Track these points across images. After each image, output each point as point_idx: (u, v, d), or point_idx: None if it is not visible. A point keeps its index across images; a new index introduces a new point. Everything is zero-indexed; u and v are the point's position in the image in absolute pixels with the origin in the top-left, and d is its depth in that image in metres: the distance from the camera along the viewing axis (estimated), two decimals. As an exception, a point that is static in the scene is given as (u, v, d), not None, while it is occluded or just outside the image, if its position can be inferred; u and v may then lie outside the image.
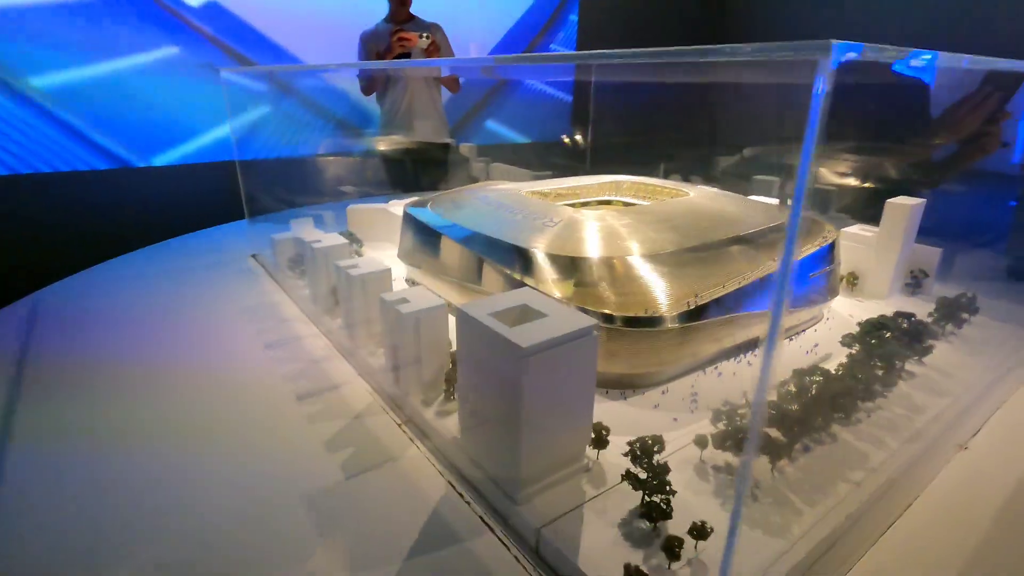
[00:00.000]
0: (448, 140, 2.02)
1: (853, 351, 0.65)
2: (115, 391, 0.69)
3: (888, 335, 0.65)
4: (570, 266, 0.68)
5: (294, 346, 0.79)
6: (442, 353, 0.63)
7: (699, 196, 0.93)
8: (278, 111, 1.58)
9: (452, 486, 0.52)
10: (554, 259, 0.69)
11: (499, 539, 0.46)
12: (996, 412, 0.65)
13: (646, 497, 0.44)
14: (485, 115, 2.66)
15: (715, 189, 1.02)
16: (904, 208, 0.93)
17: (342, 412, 0.63)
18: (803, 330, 0.82)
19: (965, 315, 0.83)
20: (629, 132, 2.04)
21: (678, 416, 0.60)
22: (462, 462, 0.53)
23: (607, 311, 0.63)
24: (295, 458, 0.56)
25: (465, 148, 2.02)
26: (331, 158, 1.74)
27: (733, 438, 0.49)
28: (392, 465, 0.55)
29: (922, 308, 0.82)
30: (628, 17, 2.98)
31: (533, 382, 0.43)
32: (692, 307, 0.64)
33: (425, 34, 1.72)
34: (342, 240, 0.85)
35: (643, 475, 0.45)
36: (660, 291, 0.65)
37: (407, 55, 1.82)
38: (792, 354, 0.75)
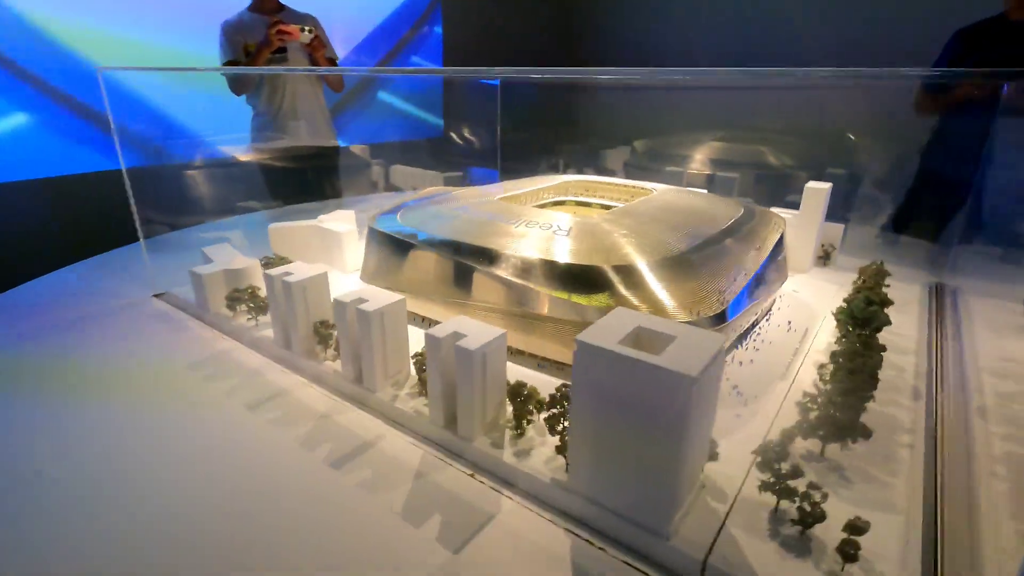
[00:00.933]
0: (336, 143, 1.85)
1: (849, 327, 0.73)
2: None
3: (874, 308, 0.74)
4: (615, 275, 0.66)
5: (287, 404, 0.66)
6: (501, 388, 0.58)
7: (664, 193, 0.97)
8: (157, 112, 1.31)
9: (574, 533, 0.48)
10: (594, 271, 0.67)
11: (657, 581, 0.43)
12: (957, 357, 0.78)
13: (798, 502, 0.44)
14: (352, 114, 2.49)
15: (666, 186, 1.06)
16: (821, 191, 1.06)
17: (397, 478, 0.54)
18: (770, 311, 0.90)
19: (886, 281, 0.97)
20: (524, 129, 2.05)
21: (738, 412, 0.62)
22: (573, 504, 0.49)
23: (668, 317, 0.62)
24: (397, 544, 0.47)
25: (358, 150, 1.87)
26: (206, 168, 1.49)
27: (826, 426, 0.52)
28: (495, 524, 0.49)
29: (837, 277, 0.95)
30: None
31: (695, 407, 0.41)
32: (725, 304, 0.67)
33: (307, 28, 1.55)
34: (313, 268, 0.73)
35: (771, 479, 0.46)
36: (691, 291, 0.67)
37: (284, 50, 1.63)
38: (777, 335, 0.81)
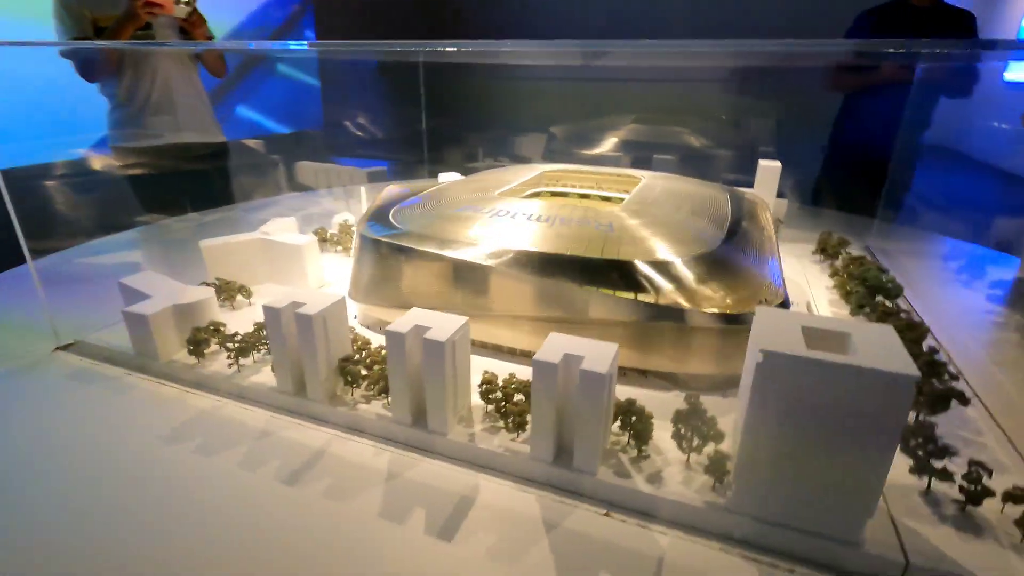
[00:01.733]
0: (223, 137, 1.58)
1: (863, 300, 0.77)
2: None
3: (889, 276, 0.78)
4: (689, 269, 0.62)
5: (333, 468, 0.53)
6: (607, 413, 0.51)
7: (655, 180, 0.95)
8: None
9: (753, 559, 0.43)
10: (658, 266, 0.62)
11: (859, 592, 0.41)
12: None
13: (960, 480, 0.45)
14: (228, 105, 2.17)
15: (644, 171, 1.05)
16: (774, 169, 1.12)
17: (526, 537, 0.46)
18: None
19: (844, 250, 1.06)
20: (447, 116, 1.92)
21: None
22: (738, 526, 0.45)
23: (727, 311, 0.60)
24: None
25: (255, 144, 1.61)
26: (68, 176, 1.18)
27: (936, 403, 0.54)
28: (668, 567, 0.43)
29: (794, 249, 1.03)
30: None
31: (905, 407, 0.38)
32: (780, 288, 0.66)
33: (183, -1, 1.29)
34: (328, 297, 0.59)
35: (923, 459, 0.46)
36: (750, 279, 0.65)
37: (149, 26, 1.34)
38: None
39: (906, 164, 1.30)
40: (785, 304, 0.64)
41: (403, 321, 0.53)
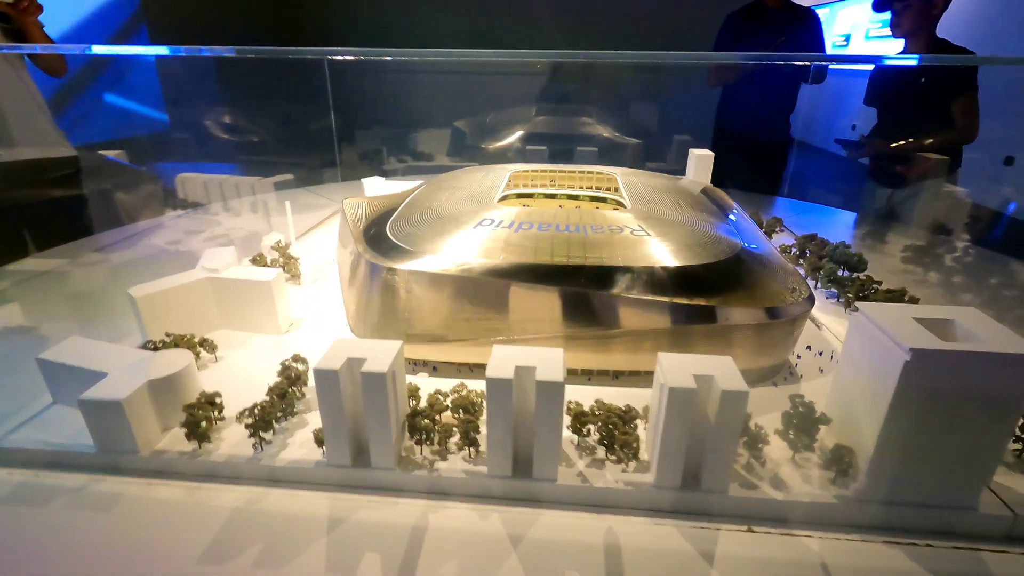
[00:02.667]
0: (71, 150, 1.28)
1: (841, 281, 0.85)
2: None
3: (857, 254, 0.87)
4: (741, 267, 0.63)
5: (462, 546, 0.45)
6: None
7: (628, 176, 0.96)
8: None
9: (895, 542, 0.46)
10: (704, 268, 0.62)
11: None
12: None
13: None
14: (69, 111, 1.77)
15: (606, 167, 1.05)
16: (707, 157, 1.20)
17: (696, 568, 0.43)
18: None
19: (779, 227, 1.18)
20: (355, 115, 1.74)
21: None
22: (864, 512, 0.47)
23: (769, 305, 0.62)
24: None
25: (120, 154, 1.33)
26: None
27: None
28: (838, 570, 0.43)
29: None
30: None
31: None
32: (799, 280, 0.70)
33: (10, -19, 1.00)
34: (382, 345, 0.50)
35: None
36: (778, 274, 0.68)
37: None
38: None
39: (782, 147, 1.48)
40: (812, 298, 0.68)
41: (503, 362, 0.47)
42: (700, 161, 1.20)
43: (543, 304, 0.61)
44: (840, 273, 0.85)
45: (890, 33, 1.35)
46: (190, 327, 0.70)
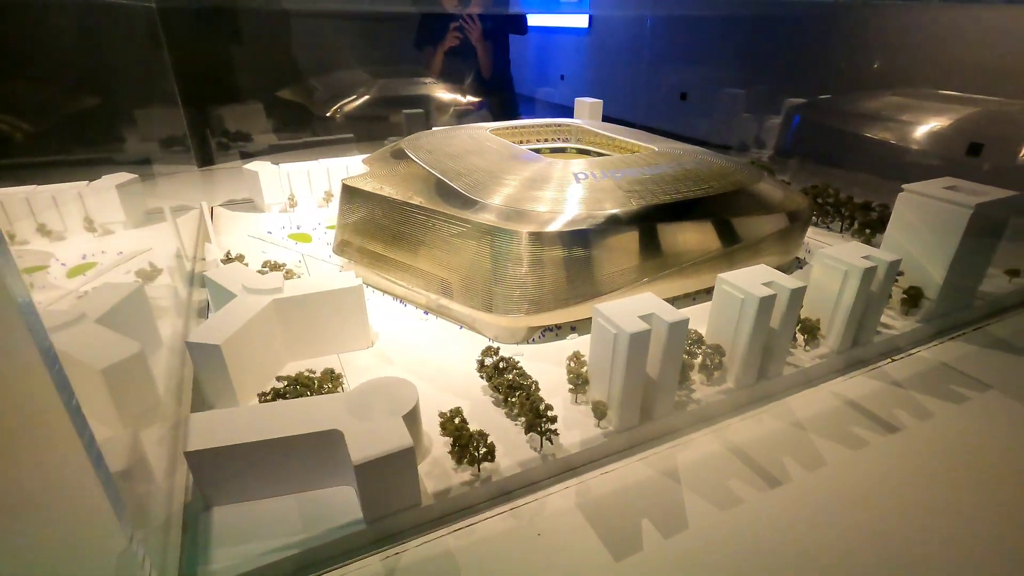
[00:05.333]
0: None
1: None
2: None
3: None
4: (772, 185, 0.77)
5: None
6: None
7: (594, 126, 1.03)
8: None
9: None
10: (766, 187, 0.76)
11: None
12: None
13: None
14: None
15: (570, 119, 1.08)
16: (596, 104, 1.33)
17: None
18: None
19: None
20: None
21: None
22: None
23: (797, 209, 0.80)
24: None
25: None
26: None
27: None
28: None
29: None
30: None
31: None
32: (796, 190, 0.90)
33: None
34: (640, 298, 0.51)
35: None
36: (786, 188, 0.86)
37: None
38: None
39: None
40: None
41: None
42: (591, 108, 1.33)
43: (685, 238, 0.67)
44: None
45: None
46: (263, 367, 0.55)
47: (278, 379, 0.52)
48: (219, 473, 0.41)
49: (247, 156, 1.32)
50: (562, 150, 1.02)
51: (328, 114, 1.59)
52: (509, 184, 0.69)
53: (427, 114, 1.69)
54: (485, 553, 0.41)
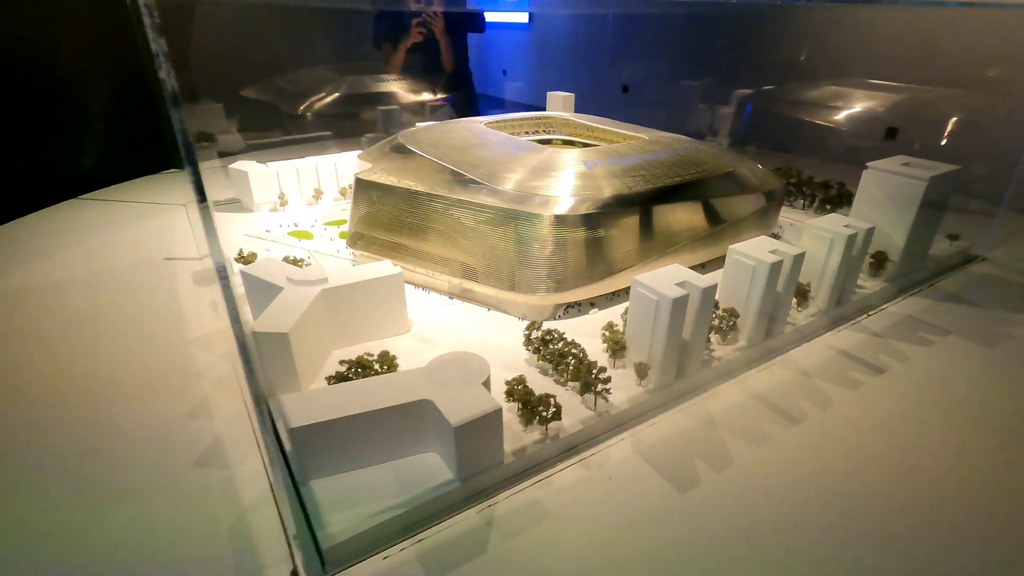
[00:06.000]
0: None
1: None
2: None
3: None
4: (751, 166, 0.86)
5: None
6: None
7: (592, 120, 1.08)
8: None
9: (913, 294, 0.79)
10: (747, 169, 0.84)
11: None
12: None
13: None
14: None
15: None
16: (568, 97, 1.39)
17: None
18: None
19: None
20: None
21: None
22: (896, 285, 0.79)
23: (772, 189, 0.90)
24: None
25: None
26: None
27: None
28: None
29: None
30: None
31: None
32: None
33: None
34: (671, 269, 0.57)
35: None
36: (763, 170, 0.95)
37: None
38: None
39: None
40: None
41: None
42: (565, 101, 1.39)
43: (688, 216, 0.74)
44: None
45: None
46: (313, 354, 0.58)
47: (340, 363, 0.55)
48: (319, 447, 0.44)
49: (224, 156, 1.30)
50: (548, 141, 1.08)
51: (300, 112, 1.57)
52: (523, 172, 0.73)
53: (384, 111, 1.70)
54: (567, 499, 0.46)
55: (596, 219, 0.68)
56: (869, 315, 0.74)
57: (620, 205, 0.70)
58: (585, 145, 1.03)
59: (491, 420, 0.44)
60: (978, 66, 1.15)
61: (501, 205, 0.68)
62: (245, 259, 0.81)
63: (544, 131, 1.11)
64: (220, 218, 1.04)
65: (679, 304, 0.52)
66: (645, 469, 0.49)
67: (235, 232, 0.98)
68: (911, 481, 0.48)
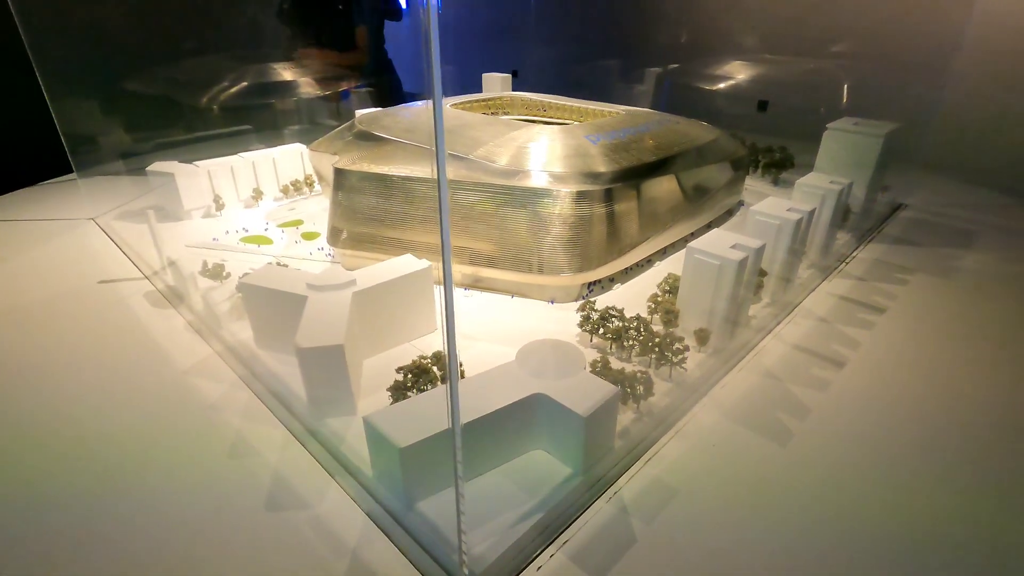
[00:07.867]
0: None
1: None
2: None
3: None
4: (728, 139, 0.90)
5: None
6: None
7: (552, 98, 1.06)
8: None
9: (871, 241, 0.88)
10: (728, 138, 0.87)
11: None
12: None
13: None
14: None
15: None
16: (505, 78, 1.37)
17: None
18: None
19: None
20: None
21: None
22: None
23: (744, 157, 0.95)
24: None
25: None
26: None
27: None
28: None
29: None
30: None
31: None
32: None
33: None
34: (717, 233, 0.58)
35: None
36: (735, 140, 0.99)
37: None
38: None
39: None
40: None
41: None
42: (501, 83, 1.36)
43: (689, 184, 0.76)
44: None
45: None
46: (355, 369, 0.52)
47: (397, 370, 0.49)
48: (427, 464, 0.39)
49: (127, 157, 1.10)
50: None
51: (203, 105, 1.39)
52: (526, 151, 0.70)
53: (299, 100, 1.56)
54: (685, 472, 0.45)
55: (616, 192, 0.67)
56: (846, 263, 0.81)
57: (635, 176, 0.69)
58: (549, 123, 1.01)
59: (610, 405, 0.42)
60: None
61: (518, 185, 0.65)
62: (211, 272, 0.69)
63: (505, 112, 1.08)
64: (142, 231, 0.88)
65: (742, 266, 0.53)
66: (739, 431, 0.49)
67: (173, 245, 0.84)
68: (950, 390, 0.53)
